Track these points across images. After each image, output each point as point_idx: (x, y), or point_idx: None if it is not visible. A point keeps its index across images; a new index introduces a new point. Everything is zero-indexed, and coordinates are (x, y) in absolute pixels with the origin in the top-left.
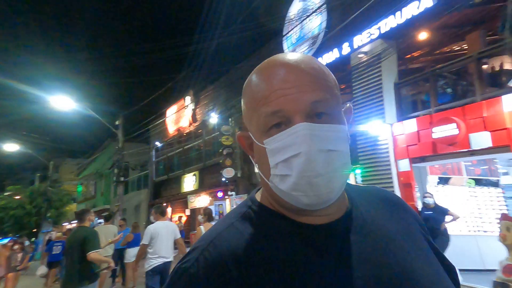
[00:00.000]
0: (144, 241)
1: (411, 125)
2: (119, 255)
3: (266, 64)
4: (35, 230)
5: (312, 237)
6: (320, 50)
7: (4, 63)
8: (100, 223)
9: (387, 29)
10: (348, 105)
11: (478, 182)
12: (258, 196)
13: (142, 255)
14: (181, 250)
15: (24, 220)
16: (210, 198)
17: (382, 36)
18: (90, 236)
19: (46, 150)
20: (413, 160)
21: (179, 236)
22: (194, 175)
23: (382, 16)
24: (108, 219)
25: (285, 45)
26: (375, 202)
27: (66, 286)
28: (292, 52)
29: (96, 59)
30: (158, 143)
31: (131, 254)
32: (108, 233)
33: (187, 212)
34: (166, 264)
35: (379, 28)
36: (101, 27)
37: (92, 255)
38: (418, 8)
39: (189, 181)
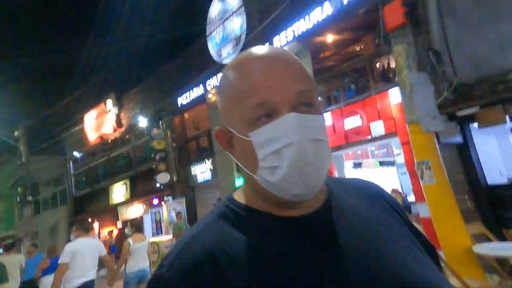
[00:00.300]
0: (64, 259)
1: (327, 119)
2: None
3: (245, 57)
4: None
5: (292, 229)
6: (244, 50)
7: None
8: None
9: (300, 32)
10: (319, 99)
11: (382, 163)
12: (236, 196)
13: (60, 278)
14: (109, 267)
15: None
16: (145, 206)
17: (297, 38)
18: None
19: None
20: (331, 149)
21: (105, 253)
22: (125, 184)
23: (294, 19)
24: (9, 248)
25: (210, 45)
26: (354, 191)
27: None
28: (264, 46)
29: None
30: (76, 154)
31: (47, 283)
32: (12, 264)
33: (119, 224)
34: (87, 284)
35: (293, 31)
36: None
37: (6, 286)
38: (321, 13)
39: (119, 191)
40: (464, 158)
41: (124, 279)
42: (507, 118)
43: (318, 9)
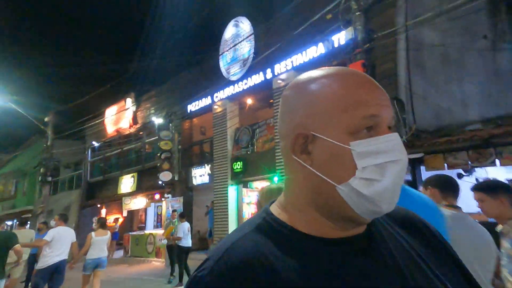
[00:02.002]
0: (47, 238)
1: None
2: (34, 260)
3: (351, 72)
4: None
5: (332, 250)
6: (249, 72)
7: None
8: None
9: (297, 63)
10: None
11: None
12: (273, 210)
13: (37, 245)
14: (74, 252)
15: None
16: (147, 200)
17: (294, 69)
18: (12, 235)
19: None
20: None
21: (75, 240)
22: (132, 176)
23: (293, 53)
24: (22, 224)
25: (221, 63)
26: (395, 220)
27: None
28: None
29: (25, 48)
30: (95, 143)
31: None
32: (23, 237)
33: (124, 213)
34: (61, 262)
35: (292, 61)
36: (34, 13)
37: (18, 247)
38: (316, 52)
39: (127, 183)
40: None
41: (84, 263)
42: (445, 165)
43: (313, 47)
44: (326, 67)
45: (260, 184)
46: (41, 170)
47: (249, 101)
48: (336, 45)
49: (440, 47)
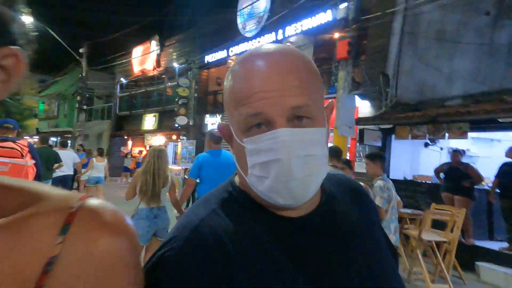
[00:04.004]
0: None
1: None
2: (73, 173)
3: (248, 58)
4: None
5: (284, 230)
6: (263, 31)
7: None
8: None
9: (306, 28)
10: (330, 102)
11: None
12: (238, 181)
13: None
14: (79, 170)
15: None
16: (165, 139)
17: (303, 33)
18: (57, 155)
19: None
20: None
21: (78, 160)
22: (154, 116)
23: (303, 17)
24: (64, 145)
25: (239, 18)
26: (345, 192)
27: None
28: (278, 43)
29: None
30: (123, 79)
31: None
32: (65, 157)
33: (147, 147)
34: (64, 176)
35: (301, 25)
36: None
37: (63, 163)
38: (324, 19)
39: (149, 121)
40: None
41: (88, 179)
42: (410, 136)
43: (322, 14)
44: (255, 49)
45: None
46: (78, 97)
47: None
48: (339, 16)
49: (438, 23)
